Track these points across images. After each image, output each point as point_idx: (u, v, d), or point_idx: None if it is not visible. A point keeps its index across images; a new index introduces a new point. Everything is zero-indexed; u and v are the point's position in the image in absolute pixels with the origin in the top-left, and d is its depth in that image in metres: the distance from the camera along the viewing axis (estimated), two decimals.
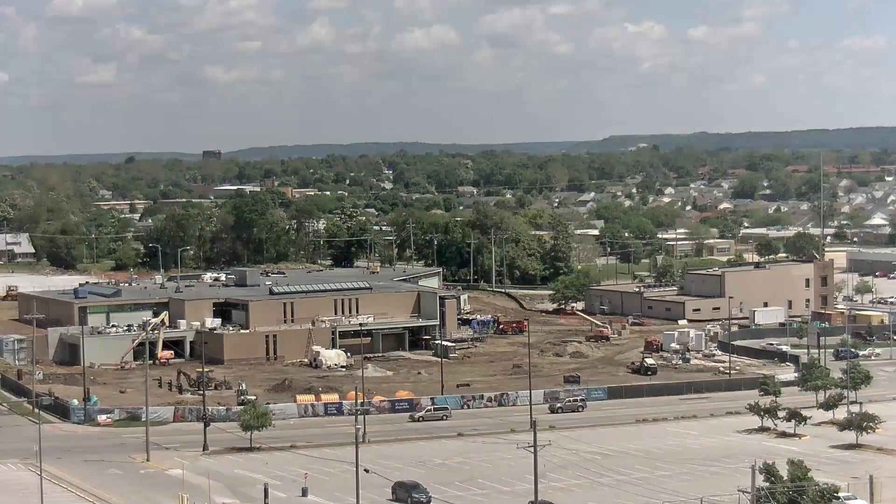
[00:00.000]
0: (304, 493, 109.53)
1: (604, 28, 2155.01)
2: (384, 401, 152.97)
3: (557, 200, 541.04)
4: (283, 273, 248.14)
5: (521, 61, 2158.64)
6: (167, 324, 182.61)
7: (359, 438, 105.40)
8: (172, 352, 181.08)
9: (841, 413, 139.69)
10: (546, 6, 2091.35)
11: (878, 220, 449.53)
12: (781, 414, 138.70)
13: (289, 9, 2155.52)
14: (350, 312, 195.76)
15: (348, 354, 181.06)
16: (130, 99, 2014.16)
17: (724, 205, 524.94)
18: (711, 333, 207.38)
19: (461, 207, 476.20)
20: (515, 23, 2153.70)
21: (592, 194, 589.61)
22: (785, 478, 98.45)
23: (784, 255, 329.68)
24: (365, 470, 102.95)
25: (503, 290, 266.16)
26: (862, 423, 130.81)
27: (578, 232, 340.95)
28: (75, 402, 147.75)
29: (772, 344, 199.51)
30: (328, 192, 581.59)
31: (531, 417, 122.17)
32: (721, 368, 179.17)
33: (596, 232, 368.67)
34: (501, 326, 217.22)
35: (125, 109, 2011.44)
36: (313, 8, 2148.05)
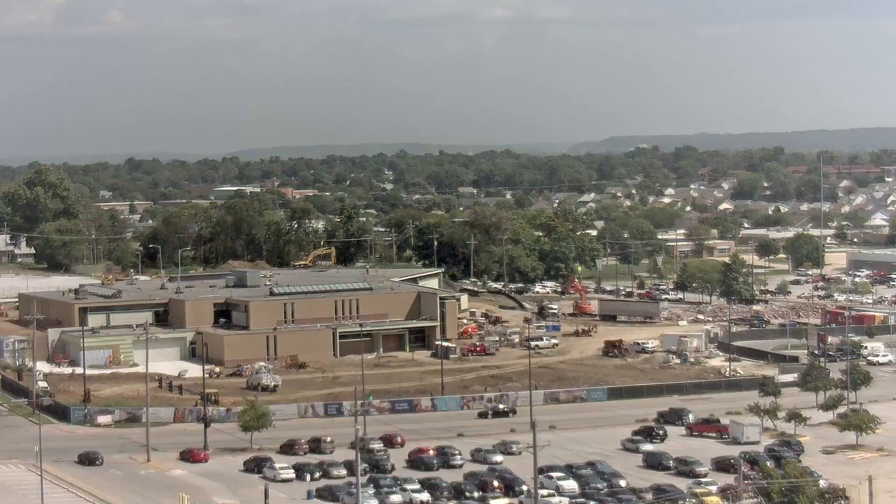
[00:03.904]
0: (310, 496, 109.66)
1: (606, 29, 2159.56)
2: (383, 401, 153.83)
3: (557, 201, 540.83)
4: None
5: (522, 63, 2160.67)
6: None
7: (359, 440, 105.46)
8: None
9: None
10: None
11: (878, 220, 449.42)
12: (781, 415, 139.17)
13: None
14: (350, 313, 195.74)
15: None
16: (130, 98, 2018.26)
17: (724, 205, 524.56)
18: (711, 334, 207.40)
19: (461, 208, 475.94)
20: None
21: (592, 195, 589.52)
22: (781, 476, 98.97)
23: (783, 256, 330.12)
24: (364, 470, 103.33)
25: (504, 291, 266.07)
26: (861, 423, 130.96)
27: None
28: None
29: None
30: (328, 193, 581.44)
31: (531, 418, 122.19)
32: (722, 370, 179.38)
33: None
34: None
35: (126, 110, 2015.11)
36: None
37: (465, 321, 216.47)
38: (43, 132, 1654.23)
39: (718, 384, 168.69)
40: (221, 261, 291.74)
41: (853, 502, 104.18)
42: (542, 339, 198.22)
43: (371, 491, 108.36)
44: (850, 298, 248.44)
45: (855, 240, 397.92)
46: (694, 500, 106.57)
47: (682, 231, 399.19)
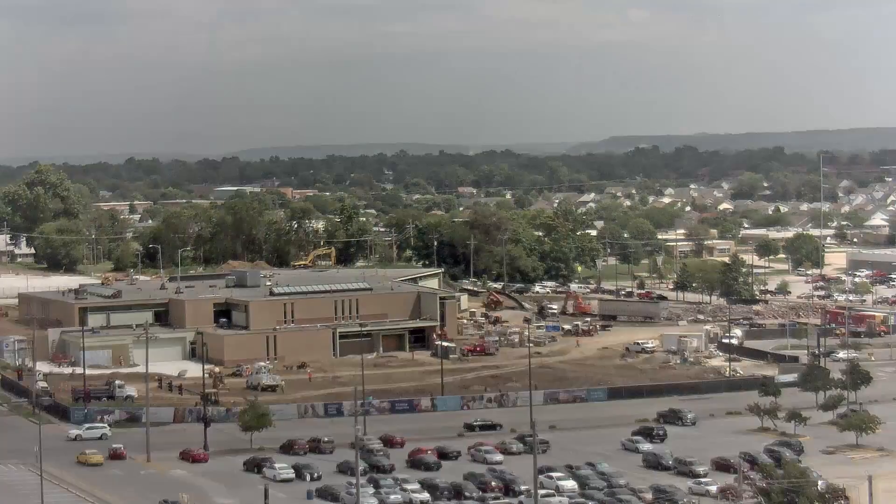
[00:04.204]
0: (309, 496, 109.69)
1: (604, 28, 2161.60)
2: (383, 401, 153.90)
3: (557, 201, 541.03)
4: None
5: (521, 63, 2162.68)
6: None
7: (359, 440, 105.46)
8: None
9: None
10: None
11: (878, 220, 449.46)
12: (781, 415, 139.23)
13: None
14: (350, 313, 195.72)
15: None
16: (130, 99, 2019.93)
17: (724, 205, 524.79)
18: (711, 335, 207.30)
19: (461, 208, 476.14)
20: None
21: (592, 195, 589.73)
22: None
23: (783, 256, 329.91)
24: (365, 469, 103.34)
25: (504, 291, 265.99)
26: (861, 423, 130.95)
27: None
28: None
29: None
30: (328, 193, 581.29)
31: (531, 418, 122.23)
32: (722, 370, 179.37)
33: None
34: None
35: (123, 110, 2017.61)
36: None
37: (464, 321, 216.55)
38: (43, 132, 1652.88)
39: (718, 384, 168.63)
40: (221, 261, 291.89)
41: (853, 502, 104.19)
42: (543, 343, 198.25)
43: (371, 491, 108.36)
44: (850, 298, 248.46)
45: (855, 240, 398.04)
46: (694, 500, 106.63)
47: (682, 231, 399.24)
